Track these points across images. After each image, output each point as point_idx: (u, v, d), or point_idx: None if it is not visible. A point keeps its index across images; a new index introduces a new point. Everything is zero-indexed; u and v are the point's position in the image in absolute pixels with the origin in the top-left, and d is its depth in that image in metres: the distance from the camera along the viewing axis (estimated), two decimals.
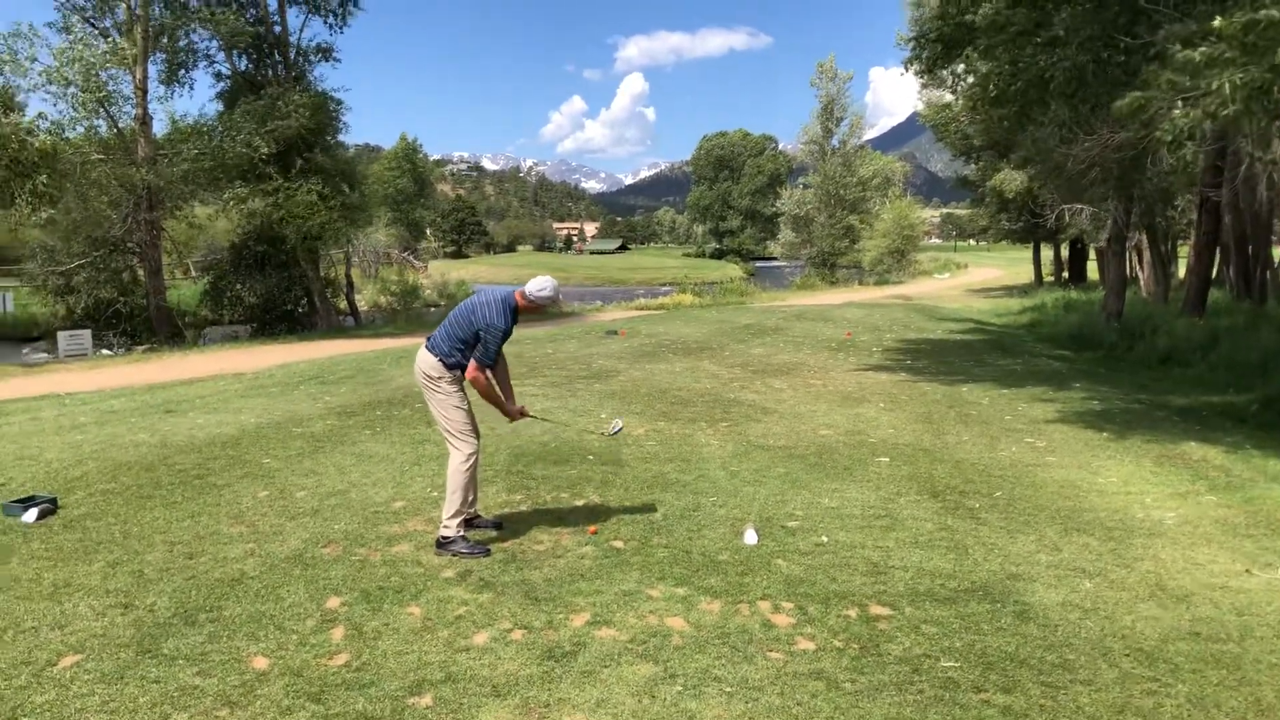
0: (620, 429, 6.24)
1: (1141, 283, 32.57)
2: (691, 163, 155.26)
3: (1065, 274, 48.95)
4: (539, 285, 5.56)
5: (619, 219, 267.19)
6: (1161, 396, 12.89)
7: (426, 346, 5.56)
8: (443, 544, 5.49)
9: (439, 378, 5.47)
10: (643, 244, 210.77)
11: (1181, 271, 32.13)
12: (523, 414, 5.88)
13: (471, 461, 5.52)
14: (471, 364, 5.43)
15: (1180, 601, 4.96)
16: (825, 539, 5.86)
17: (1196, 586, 5.20)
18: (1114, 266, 23.43)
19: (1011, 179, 35.35)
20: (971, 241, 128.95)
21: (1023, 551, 5.74)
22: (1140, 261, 33.57)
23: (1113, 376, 15.16)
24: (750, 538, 5.79)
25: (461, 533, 5.53)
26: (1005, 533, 6.13)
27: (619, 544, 5.70)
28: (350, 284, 33.81)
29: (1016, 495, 7.16)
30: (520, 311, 5.59)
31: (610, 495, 6.87)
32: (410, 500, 6.68)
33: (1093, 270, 46.56)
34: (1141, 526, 6.37)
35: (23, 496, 6.56)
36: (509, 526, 6.02)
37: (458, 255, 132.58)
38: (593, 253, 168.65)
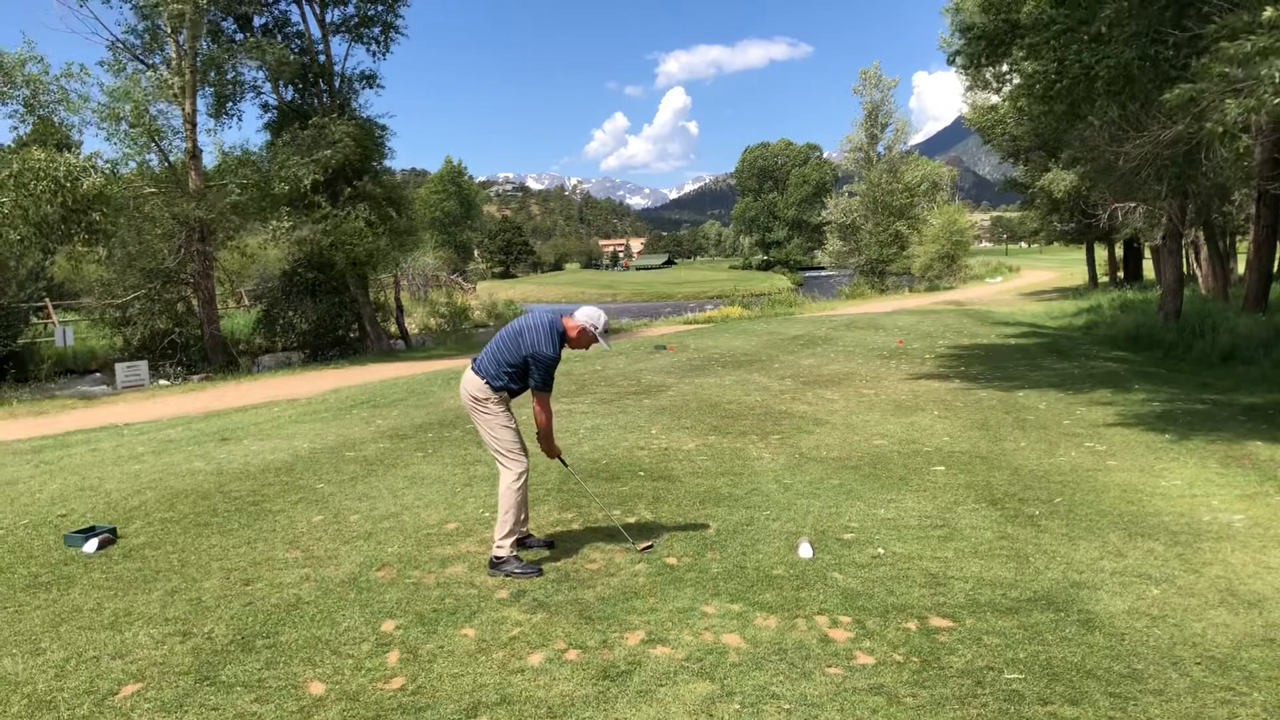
0: (651, 549, 5.92)
1: (1200, 280, 31.90)
2: (735, 175, 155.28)
3: (1120, 274, 48.14)
4: (590, 316, 5.55)
5: (664, 234, 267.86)
6: (1225, 395, 12.58)
7: (473, 368, 5.56)
8: (496, 564, 5.48)
9: (485, 399, 5.47)
10: (689, 258, 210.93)
11: (1241, 267, 31.42)
12: (559, 456, 5.84)
13: (522, 480, 5.51)
14: (536, 400, 5.48)
15: (1253, 607, 4.81)
16: (882, 551, 5.77)
17: (1270, 591, 5.03)
18: (1170, 265, 22.98)
19: (1061, 179, 34.80)
20: (1023, 244, 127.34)
21: (1085, 559, 5.60)
22: (1198, 258, 32.89)
23: (1173, 377, 14.83)
24: (805, 551, 5.72)
25: (515, 553, 5.52)
26: (1067, 540, 5.99)
27: (672, 561, 5.65)
28: (400, 307, 34.14)
29: (1077, 501, 7.01)
30: (567, 341, 5.56)
31: (662, 511, 6.83)
32: (463, 521, 6.69)
33: (1148, 269, 45.74)
34: (1209, 530, 6.19)
35: (84, 527, 6.67)
36: (561, 545, 6.00)
37: (505, 275, 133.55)
38: (639, 268, 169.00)
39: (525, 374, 5.44)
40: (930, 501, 7.00)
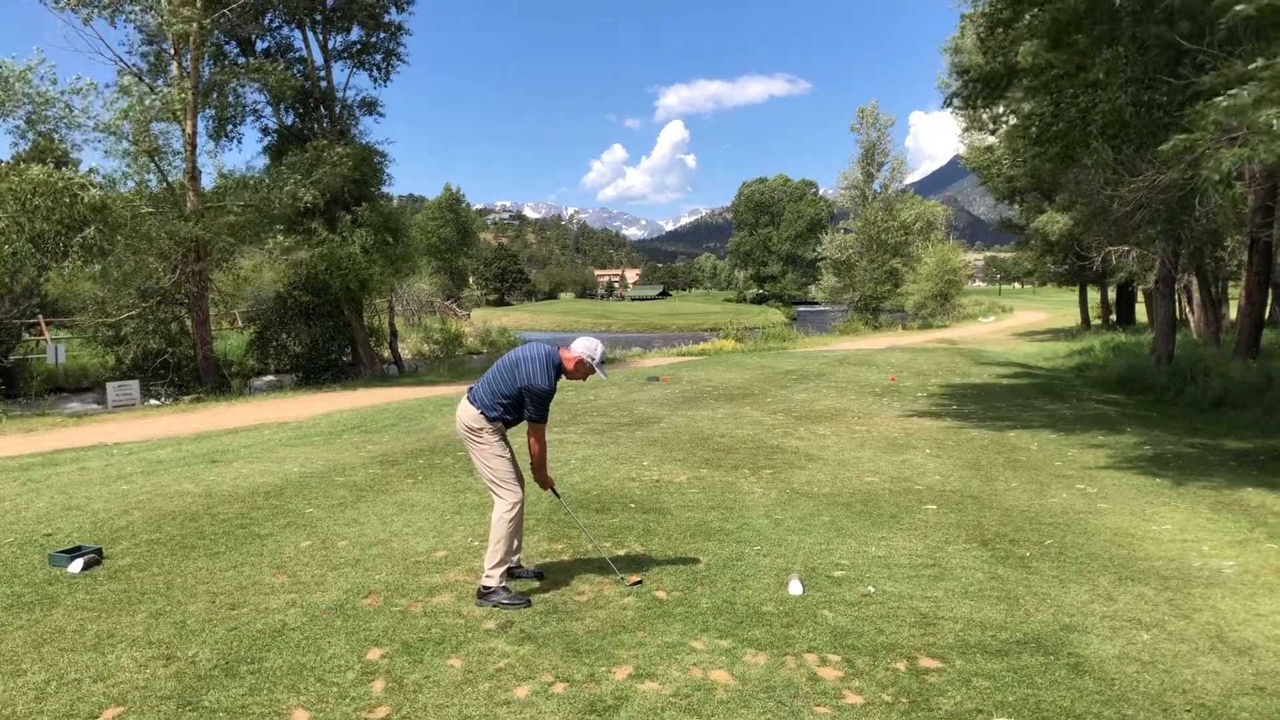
0: (639, 584, 5.86)
1: (1192, 325, 32.05)
2: (732, 209, 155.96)
3: (1113, 316, 48.33)
4: (587, 347, 5.58)
5: (660, 265, 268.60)
6: (1216, 440, 12.59)
7: (468, 398, 5.56)
8: (484, 594, 5.44)
9: (480, 429, 5.46)
10: (684, 289, 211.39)
11: (1233, 313, 31.58)
12: (551, 487, 5.85)
13: (515, 510, 5.48)
14: (530, 431, 5.52)
15: (1242, 654, 4.79)
16: (872, 589, 5.75)
17: (1260, 639, 5.02)
18: (1163, 308, 23.09)
19: (1055, 221, 34.99)
20: (1016, 285, 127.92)
21: (1076, 602, 5.58)
22: (1190, 303, 33.06)
23: (1164, 420, 14.86)
24: (795, 588, 5.69)
25: (503, 583, 5.48)
26: (1058, 582, 5.97)
27: (661, 594, 5.62)
28: (394, 332, 34.11)
29: (1068, 543, 6.99)
30: (564, 373, 5.58)
31: (652, 544, 6.80)
32: (452, 550, 6.65)
33: (1141, 313, 45.96)
34: (1199, 576, 6.18)
35: (69, 547, 6.61)
36: (550, 577, 5.97)
37: (500, 303, 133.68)
38: (634, 299, 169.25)
39: (520, 405, 5.44)
40: (921, 540, 6.98)
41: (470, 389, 5.61)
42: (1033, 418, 14.61)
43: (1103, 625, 5.18)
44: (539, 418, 5.46)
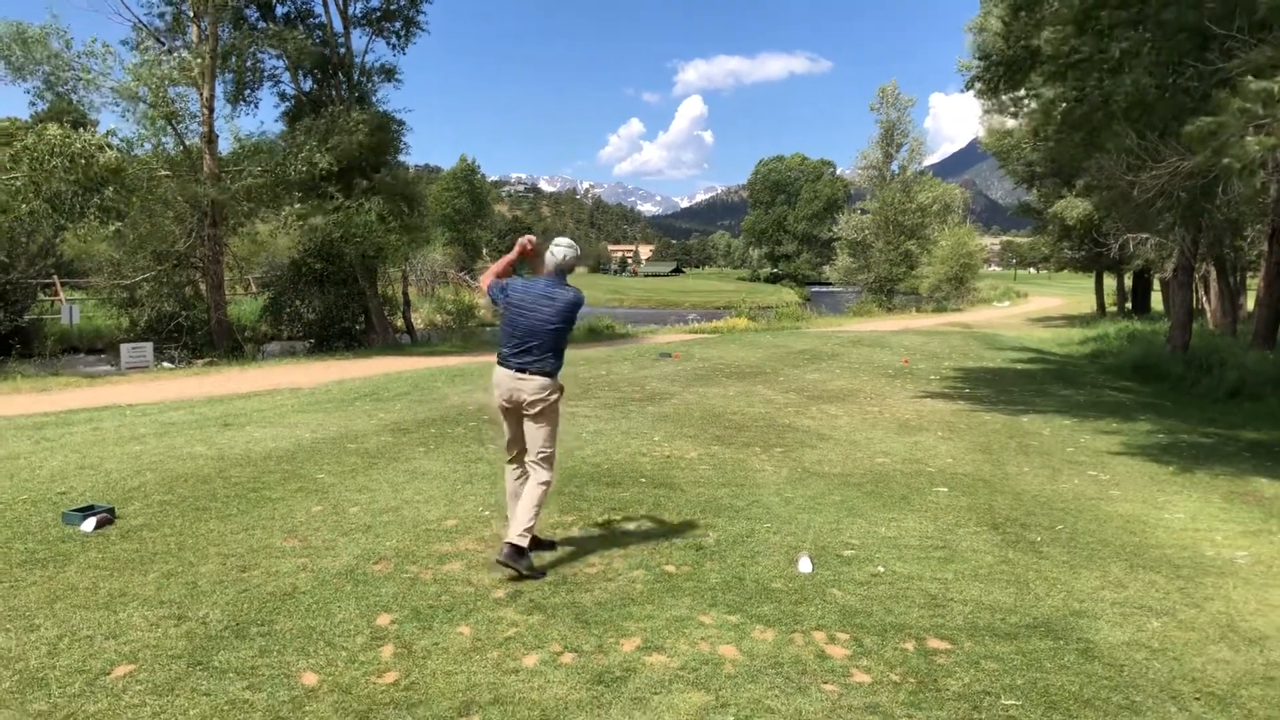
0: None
1: (1209, 314, 31.86)
2: (748, 186, 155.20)
3: (1128, 304, 48.07)
4: (565, 249, 5.71)
5: (674, 242, 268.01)
6: (1230, 431, 12.54)
7: (533, 370, 5.48)
8: (518, 554, 5.36)
9: (555, 398, 5.57)
10: (697, 267, 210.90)
11: (1251, 303, 31.37)
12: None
13: (548, 487, 5.61)
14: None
15: (1254, 644, 4.77)
16: (882, 569, 5.74)
17: (1271, 629, 5.00)
18: (1180, 297, 22.95)
19: (1074, 206, 34.76)
20: (1032, 270, 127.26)
21: (1086, 587, 5.57)
22: (1207, 292, 32.86)
23: (1179, 409, 14.80)
24: (805, 566, 5.69)
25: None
26: (1068, 567, 5.96)
27: (671, 569, 5.62)
28: (407, 302, 34.12)
29: (1079, 529, 6.98)
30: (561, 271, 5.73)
31: (663, 518, 6.80)
32: (462, 519, 6.66)
33: (1157, 301, 45.70)
34: (1211, 565, 6.16)
35: (82, 506, 6.65)
36: (560, 548, 5.98)
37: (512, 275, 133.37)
38: (647, 275, 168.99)
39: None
40: (931, 522, 6.97)
41: (521, 362, 5.50)
42: (1046, 403, 14.57)
43: (1113, 611, 5.16)
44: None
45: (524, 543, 5.38)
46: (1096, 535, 6.81)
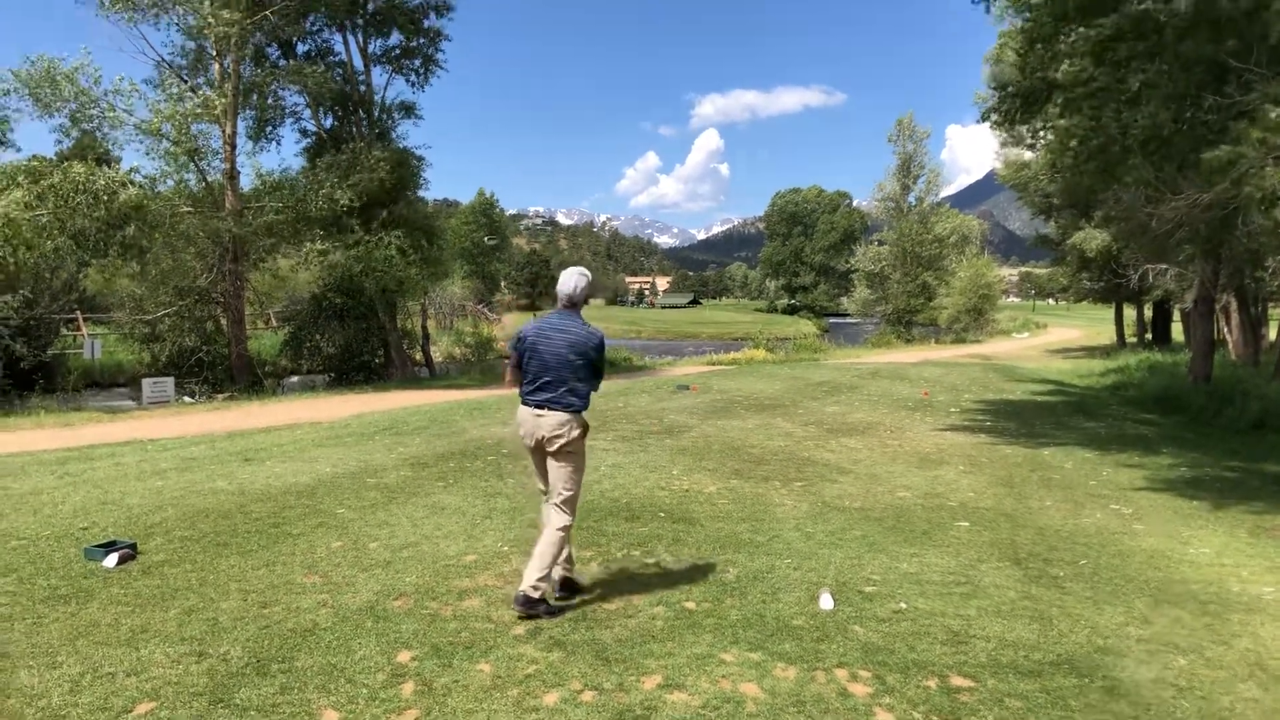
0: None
1: (1230, 345, 31.61)
2: (764, 218, 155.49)
3: (1148, 335, 47.77)
4: (575, 278, 5.64)
5: (691, 273, 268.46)
6: (1254, 464, 12.41)
7: (552, 406, 5.41)
8: (531, 604, 5.31)
9: (578, 434, 5.48)
10: (715, 298, 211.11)
11: (1273, 334, 31.15)
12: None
13: (567, 533, 5.52)
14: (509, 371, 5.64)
15: None
16: (904, 605, 5.70)
17: None
18: (1201, 328, 22.79)
19: (1092, 238, 34.64)
20: (1051, 301, 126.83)
21: (1111, 624, 5.51)
22: (1228, 323, 32.62)
23: (1202, 442, 14.66)
24: (826, 602, 5.66)
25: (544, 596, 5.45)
26: (1092, 603, 5.90)
27: (691, 605, 5.60)
28: (426, 335, 34.27)
29: (1103, 564, 6.91)
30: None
31: (682, 554, 6.78)
32: (481, 554, 6.66)
33: (1177, 332, 45.40)
34: (1238, 601, 6.09)
35: (104, 541, 6.69)
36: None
37: (531, 307, 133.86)
38: (664, 306, 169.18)
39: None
40: (953, 557, 6.93)
41: (544, 398, 5.43)
42: (1067, 436, 14.47)
43: (1138, 649, 5.11)
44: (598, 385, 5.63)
45: (536, 594, 5.33)
46: (1120, 570, 6.75)
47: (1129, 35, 11.12)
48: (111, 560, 6.27)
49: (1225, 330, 32.71)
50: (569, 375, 5.41)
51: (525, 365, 5.51)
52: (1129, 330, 50.37)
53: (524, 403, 5.53)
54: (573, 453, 5.47)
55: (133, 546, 6.58)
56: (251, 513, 7.96)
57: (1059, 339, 61.74)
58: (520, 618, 5.30)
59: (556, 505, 5.49)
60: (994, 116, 15.47)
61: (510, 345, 5.65)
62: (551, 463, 5.50)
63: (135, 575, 6.06)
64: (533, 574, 5.33)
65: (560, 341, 5.42)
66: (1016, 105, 14.92)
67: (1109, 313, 54.49)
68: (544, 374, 5.43)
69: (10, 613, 5.31)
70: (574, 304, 5.58)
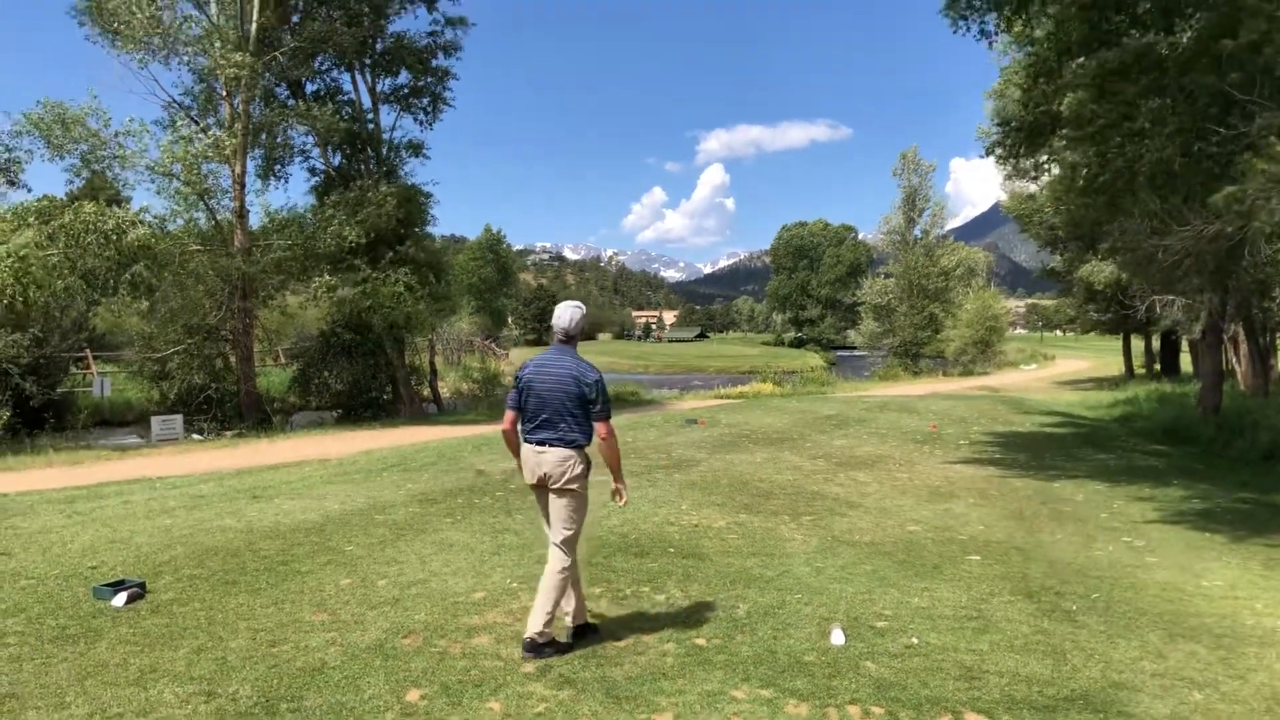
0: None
1: (1239, 375, 31.52)
2: (770, 252, 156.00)
3: (1157, 366, 47.66)
4: (570, 309, 5.57)
5: (698, 307, 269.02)
6: (1265, 495, 12.35)
7: (552, 443, 5.37)
8: (538, 649, 5.28)
9: (581, 471, 5.40)
10: (721, 332, 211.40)
11: None
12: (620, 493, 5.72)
13: (570, 572, 5.44)
14: (603, 426, 5.40)
15: None
16: (916, 640, 5.66)
17: None
18: (1209, 359, 22.76)
19: (1099, 270, 34.69)
20: (1058, 332, 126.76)
21: (1125, 658, 5.47)
22: (1236, 354, 32.53)
23: (1212, 473, 14.60)
24: (837, 638, 5.62)
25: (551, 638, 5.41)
26: (1105, 637, 5.86)
27: (701, 641, 5.57)
28: (434, 371, 34.30)
29: (1115, 598, 6.87)
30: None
31: (692, 590, 6.75)
32: (490, 591, 6.64)
33: (1186, 362, 45.29)
34: (1253, 635, 6.04)
35: (113, 580, 6.68)
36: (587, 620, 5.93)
37: (538, 343, 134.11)
38: (672, 340, 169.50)
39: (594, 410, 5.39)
40: (965, 591, 6.89)
41: (541, 437, 5.40)
42: (1077, 468, 14.42)
43: (1153, 683, 5.06)
44: (610, 412, 5.44)
45: (543, 640, 5.29)
46: (1133, 604, 6.70)
47: (1132, 68, 11.19)
48: (120, 599, 6.26)
49: (1234, 361, 32.64)
50: (567, 410, 5.36)
51: (524, 403, 5.48)
52: (1137, 361, 50.28)
53: (525, 441, 5.49)
54: (575, 490, 5.42)
55: (141, 585, 6.58)
56: (260, 550, 7.95)
57: (1067, 370, 61.62)
58: (527, 657, 5.27)
59: (556, 545, 5.43)
60: (998, 151, 15.56)
61: (511, 396, 5.60)
62: (553, 500, 5.45)
63: (144, 614, 6.05)
64: (538, 620, 5.30)
65: (555, 377, 5.39)
66: (1020, 140, 15.01)
67: (1117, 344, 54.42)
68: (542, 411, 5.40)
69: (19, 653, 5.30)
70: (570, 337, 5.54)
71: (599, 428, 5.37)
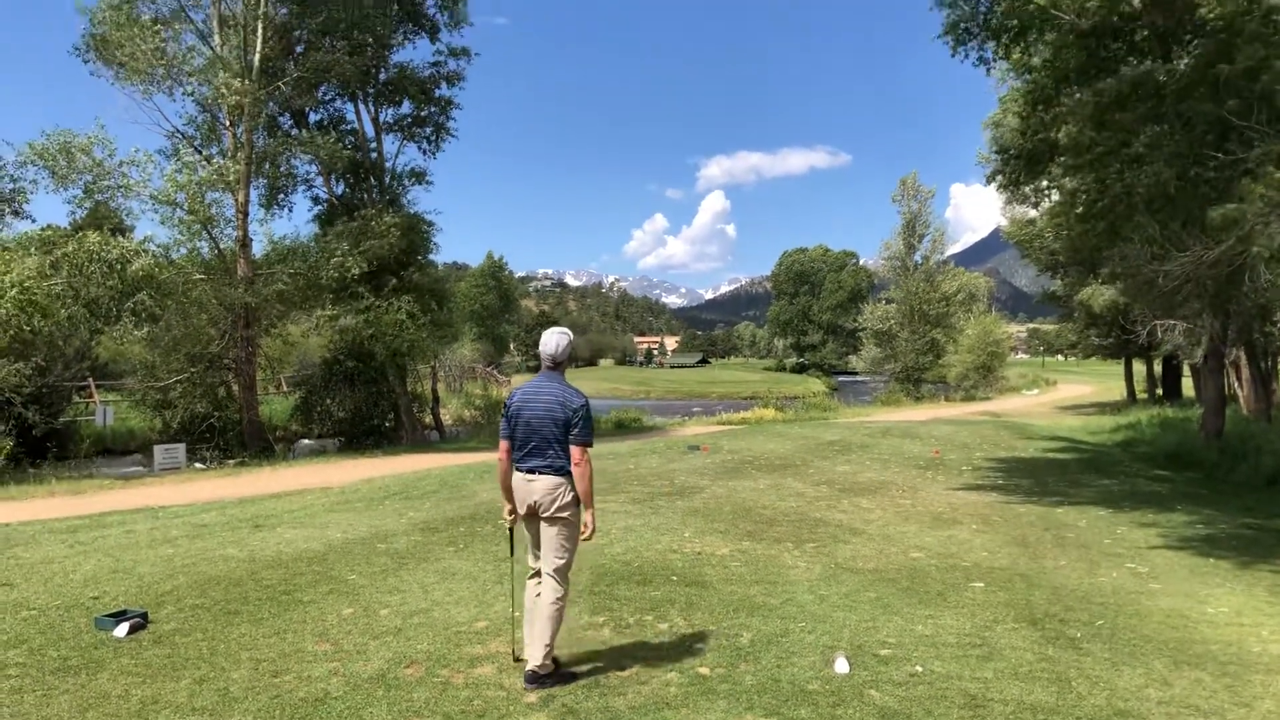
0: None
1: (1241, 400, 31.49)
2: (772, 278, 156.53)
3: (1159, 390, 47.62)
4: (556, 336, 5.54)
5: (699, 333, 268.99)
6: (1270, 520, 12.31)
7: (542, 470, 5.34)
8: (540, 680, 5.26)
9: (571, 499, 5.37)
10: (723, 357, 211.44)
11: None
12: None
13: (563, 604, 5.43)
14: (579, 451, 5.32)
15: None
16: (920, 669, 5.64)
17: None
18: (1212, 383, 22.74)
19: (1100, 294, 34.76)
20: (1060, 357, 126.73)
21: (1130, 686, 5.44)
22: (1239, 378, 32.51)
23: (1216, 499, 14.57)
24: (841, 666, 5.60)
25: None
26: (1110, 665, 5.83)
27: (705, 670, 5.55)
28: (436, 398, 34.35)
29: (1120, 625, 6.84)
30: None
31: (695, 618, 6.73)
32: (493, 620, 6.62)
33: (1187, 387, 45.26)
34: (1259, 662, 6.01)
35: (115, 611, 6.67)
36: (592, 650, 5.92)
37: (539, 369, 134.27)
38: (673, 366, 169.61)
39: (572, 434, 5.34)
40: (969, 619, 6.86)
41: (531, 465, 5.38)
42: (1080, 494, 14.40)
43: (1159, 711, 5.04)
44: (590, 439, 5.38)
45: (545, 672, 5.29)
46: (1138, 631, 6.68)
47: (1130, 97, 11.26)
48: (122, 630, 6.25)
49: (1236, 385, 32.62)
50: (556, 437, 5.33)
51: (513, 432, 5.47)
52: (1139, 386, 50.26)
53: (515, 469, 5.47)
54: (567, 518, 5.39)
55: (143, 615, 6.57)
56: (262, 580, 7.94)
57: (1069, 395, 61.55)
58: (530, 688, 5.26)
59: (549, 574, 5.40)
60: (998, 179, 15.64)
61: (502, 425, 5.59)
62: (545, 529, 5.42)
63: (146, 645, 6.04)
64: (538, 652, 5.29)
65: (543, 404, 5.37)
66: (1020, 167, 15.08)
67: (1119, 368, 54.43)
68: (531, 439, 5.39)
69: (20, 684, 5.29)
70: (557, 364, 5.54)
71: (574, 452, 5.31)
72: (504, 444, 5.53)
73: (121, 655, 5.82)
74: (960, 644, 6.19)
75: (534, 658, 5.28)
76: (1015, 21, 13.02)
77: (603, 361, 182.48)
